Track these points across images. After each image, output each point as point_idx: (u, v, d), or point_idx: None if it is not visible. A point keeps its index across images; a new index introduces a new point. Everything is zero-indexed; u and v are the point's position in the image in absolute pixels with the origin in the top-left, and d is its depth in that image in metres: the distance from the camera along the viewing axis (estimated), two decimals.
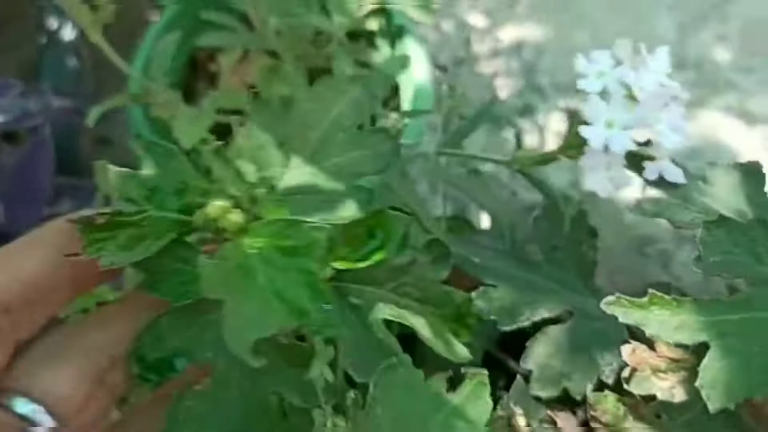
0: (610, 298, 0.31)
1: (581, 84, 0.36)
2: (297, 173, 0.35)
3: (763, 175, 0.37)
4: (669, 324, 0.30)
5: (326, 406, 0.34)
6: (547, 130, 1.02)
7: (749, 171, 0.37)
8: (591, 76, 0.36)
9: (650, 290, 0.30)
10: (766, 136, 0.96)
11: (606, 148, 0.35)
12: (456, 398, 0.35)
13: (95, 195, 0.73)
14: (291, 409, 0.34)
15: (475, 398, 0.35)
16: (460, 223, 0.59)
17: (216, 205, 0.31)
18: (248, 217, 0.32)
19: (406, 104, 0.76)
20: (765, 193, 0.36)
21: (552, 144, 0.99)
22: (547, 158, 0.42)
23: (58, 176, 0.74)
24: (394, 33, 0.79)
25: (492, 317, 0.45)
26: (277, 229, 0.31)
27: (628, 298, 0.30)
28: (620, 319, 0.31)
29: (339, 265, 0.36)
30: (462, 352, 0.42)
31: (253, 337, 0.29)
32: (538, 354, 0.45)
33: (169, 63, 0.71)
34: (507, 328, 0.44)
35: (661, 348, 0.38)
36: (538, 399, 0.45)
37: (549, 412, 0.45)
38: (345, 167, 0.36)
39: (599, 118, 0.35)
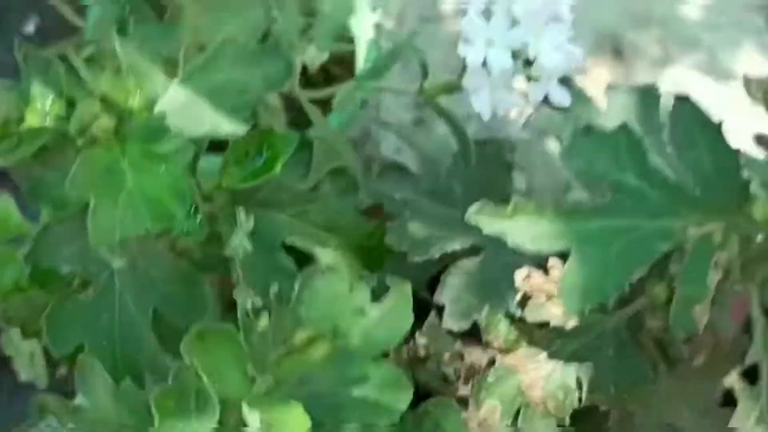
0: (474, 207, 0.31)
1: (465, 2, 0.36)
2: (181, 88, 0.35)
3: (658, 96, 0.37)
4: (531, 232, 0.30)
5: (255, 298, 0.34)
6: None
7: (645, 93, 0.38)
8: None
9: (514, 198, 0.31)
10: (735, 93, 0.96)
11: (485, 68, 0.35)
12: (378, 309, 0.35)
13: None
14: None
15: (397, 310, 0.35)
16: (395, 168, 0.59)
17: (86, 107, 0.31)
18: (121, 125, 0.32)
19: (361, 54, 0.76)
20: (657, 113, 0.36)
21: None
22: (450, 86, 0.42)
23: None
24: None
25: (403, 249, 0.45)
26: (147, 135, 0.32)
27: (492, 206, 0.31)
28: (485, 231, 0.31)
29: (226, 182, 0.37)
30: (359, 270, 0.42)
31: (118, 237, 0.30)
32: (451, 287, 0.45)
33: (118, 11, 0.72)
34: (418, 259, 0.45)
35: (555, 272, 0.38)
36: (451, 332, 0.46)
37: (459, 347, 0.45)
38: (231, 83, 0.36)
39: (478, 37, 0.35)
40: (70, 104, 0.33)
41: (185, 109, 0.35)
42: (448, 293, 0.45)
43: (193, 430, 0.30)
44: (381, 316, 0.34)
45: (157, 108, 0.34)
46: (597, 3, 1.03)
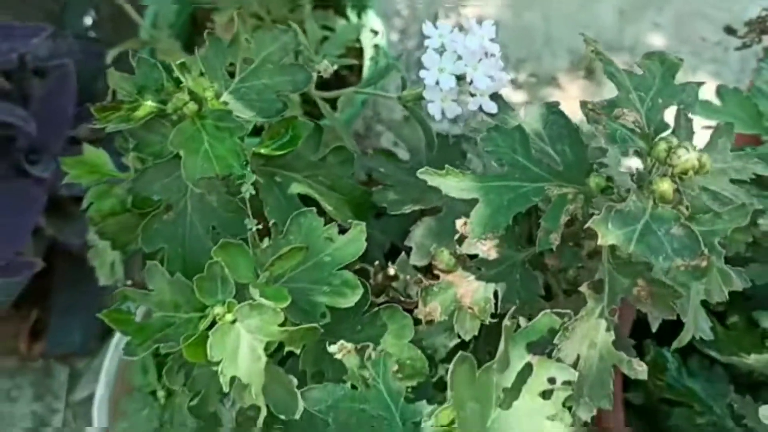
0: (422, 169, 0.50)
1: (426, 42, 0.55)
2: (237, 87, 0.55)
3: (559, 109, 0.56)
4: (457, 187, 0.49)
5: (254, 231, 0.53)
6: None
7: (550, 107, 0.57)
8: (434, 37, 0.56)
9: (446, 165, 0.50)
10: None
11: (438, 86, 0.55)
12: (342, 238, 0.54)
13: None
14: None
15: (354, 240, 0.55)
16: (386, 152, 0.79)
17: (179, 97, 0.51)
18: (201, 108, 0.52)
19: (366, 66, 0.96)
20: (557, 120, 0.55)
21: None
22: (420, 96, 0.61)
23: (79, 106, 0.94)
24: (360, 6, 0.99)
25: (384, 205, 0.64)
26: (217, 116, 0.52)
27: (431, 169, 0.50)
28: (428, 183, 0.50)
29: (264, 150, 0.56)
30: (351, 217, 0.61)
31: (198, 176, 0.49)
32: (417, 235, 0.64)
33: (172, 18, 0.92)
34: (394, 213, 0.64)
35: None
36: (415, 267, 0.65)
37: (420, 275, 0.64)
38: (270, 86, 0.55)
39: (433, 65, 0.55)
40: (167, 93, 0.52)
41: (241, 100, 0.54)
42: (414, 239, 0.64)
43: (218, 301, 0.49)
44: (344, 243, 0.53)
45: (223, 98, 0.54)
46: (574, 30, 1.23)
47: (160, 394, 0.68)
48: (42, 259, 0.91)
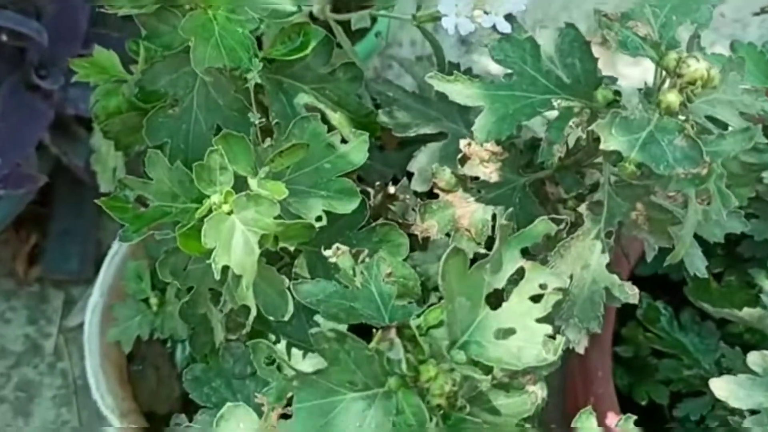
0: (429, 73, 0.50)
1: None
2: None
3: (572, 32, 0.56)
4: (463, 93, 0.49)
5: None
6: None
7: (563, 30, 0.56)
8: None
9: (455, 71, 0.50)
10: None
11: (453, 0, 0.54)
12: (344, 146, 0.54)
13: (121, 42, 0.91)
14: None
15: (355, 149, 0.55)
16: (396, 85, 0.79)
17: None
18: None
19: None
20: (569, 33, 0.54)
21: None
22: (435, 16, 0.61)
23: (91, 27, 0.94)
24: None
25: (389, 126, 0.64)
26: (229, 7, 0.52)
27: (441, 75, 0.50)
28: (435, 88, 0.50)
29: (274, 54, 0.56)
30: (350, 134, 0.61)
31: (207, 64, 0.49)
32: (420, 161, 0.64)
33: None
34: (399, 135, 0.64)
35: (487, 144, 0.57)
36: (416, 193, 0.65)
37: (420, 200, 0.64)
38: None
39: None
40: None
41: None
42: (416, 165, 0.64)
43: (215, 190, 0.50)
44: (345, 151, 0.53)
45: None
46: None
47: (153, 301, 0.68)
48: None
